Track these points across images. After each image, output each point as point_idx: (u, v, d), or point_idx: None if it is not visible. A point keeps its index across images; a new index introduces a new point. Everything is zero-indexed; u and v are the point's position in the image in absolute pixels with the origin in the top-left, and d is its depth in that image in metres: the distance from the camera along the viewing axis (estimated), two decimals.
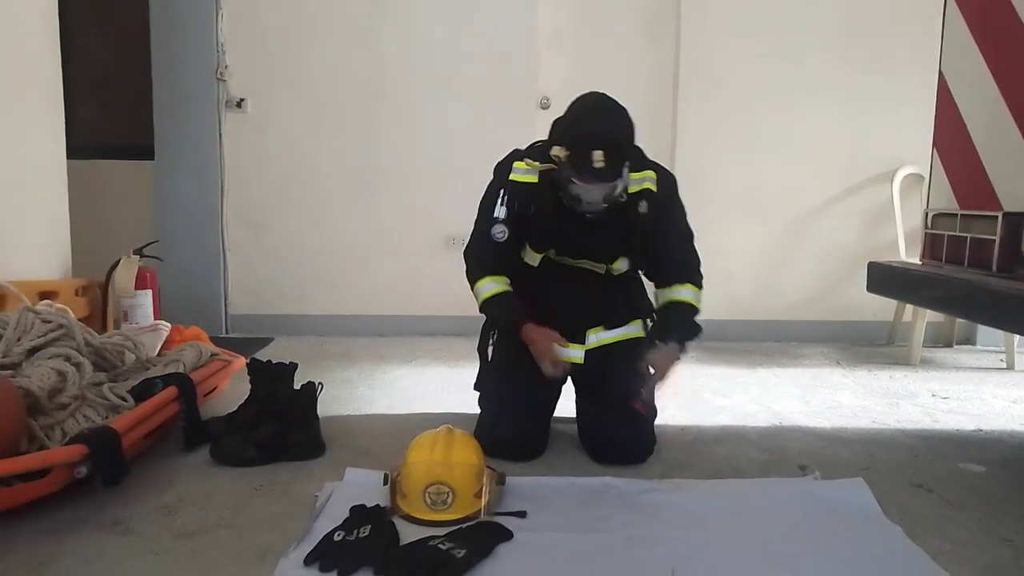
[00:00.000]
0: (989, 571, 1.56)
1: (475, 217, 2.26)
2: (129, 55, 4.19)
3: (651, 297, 2.37)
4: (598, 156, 1.93)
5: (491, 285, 2.20)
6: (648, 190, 2.16)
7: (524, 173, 2.16)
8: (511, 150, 2.26)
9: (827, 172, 4.04)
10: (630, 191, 2.14)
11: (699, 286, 2.23)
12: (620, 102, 2.08)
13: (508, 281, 2.21)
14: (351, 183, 4.07)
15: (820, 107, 3.98)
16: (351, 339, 3.93)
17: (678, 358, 2.11)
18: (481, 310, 2.25)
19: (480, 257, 2.23)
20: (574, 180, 2.01)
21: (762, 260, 4.11)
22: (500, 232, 2.15)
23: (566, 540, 1.64)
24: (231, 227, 4.06)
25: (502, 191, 2.17)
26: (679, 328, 2.16)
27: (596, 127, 2.01)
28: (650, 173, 2.19)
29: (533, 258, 2.26)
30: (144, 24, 3.88)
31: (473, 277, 2.24)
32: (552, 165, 2.06)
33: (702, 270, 2.26)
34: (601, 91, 2.12)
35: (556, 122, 2.16)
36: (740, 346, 3.90)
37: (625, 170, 2.06)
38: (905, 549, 1.63)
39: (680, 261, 2.24)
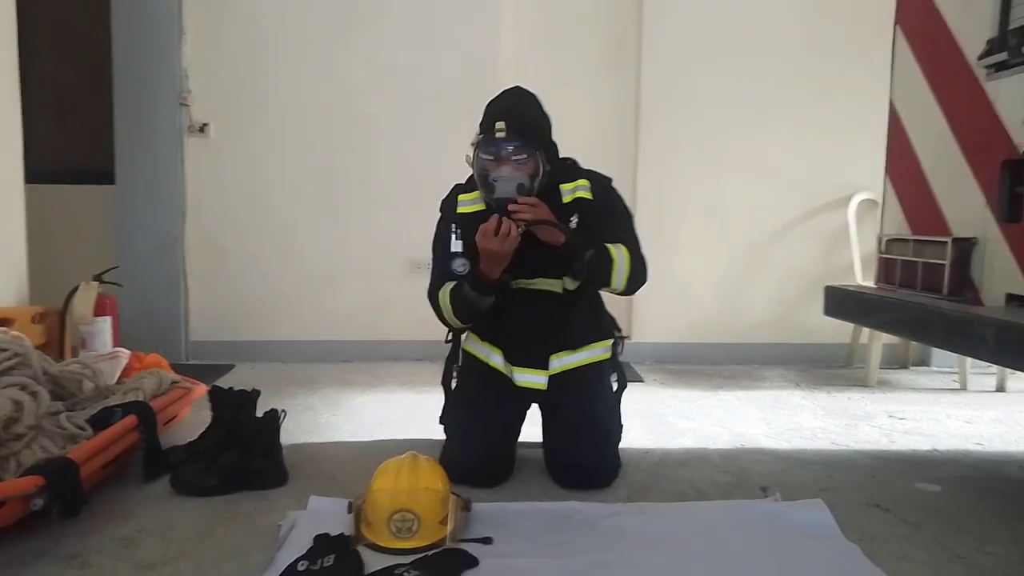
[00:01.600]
0: None
1: (432, 258, 2.27)
2: (90, 79, 4.15)
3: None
4: (500, 126, 2.04)
5: (448, 285, 2.18)
6: (582, 199, 2.19)
7: (470, 204, 2.22)
8: (452, 185, 2.31)
9: (786, 196, 4.13)
10: (564, 201, 2.17)
11: (632, 256, 2.15)
12: (533, 95, 2.21)
13: None
14: (315, 208, 4.07)
15: (779, 132, 4.07)
16: (315, 365, 3.90)
17: (557, 230, 2.06)
18: (454, 311, 2.19)
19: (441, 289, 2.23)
20: (482, 155, 2.10)
21: (723, 283, 4.17)
22: (461, 265, 2.14)
23: (532, 565, 1.64)
24: (192, 252, 4.02)
25: (454, 225, 2.18)
26: (579, 240, 2.09)
27: (500, 104, 2.16)
28: (583, 182, 2.22)
29: None
30: (105, 48, 3.86)
31: (436, 296, 2.23)
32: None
33: (643, 263, 2.21)
34: (518, 85, 2.24)
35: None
36: (702, 368, 3.94)
37: (537, 156, 2.09)
38: (863, 568, 1.66)
39: (611, 239, 2.17)
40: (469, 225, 2.13)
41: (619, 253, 2.14)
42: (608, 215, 2.23)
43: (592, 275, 2.13)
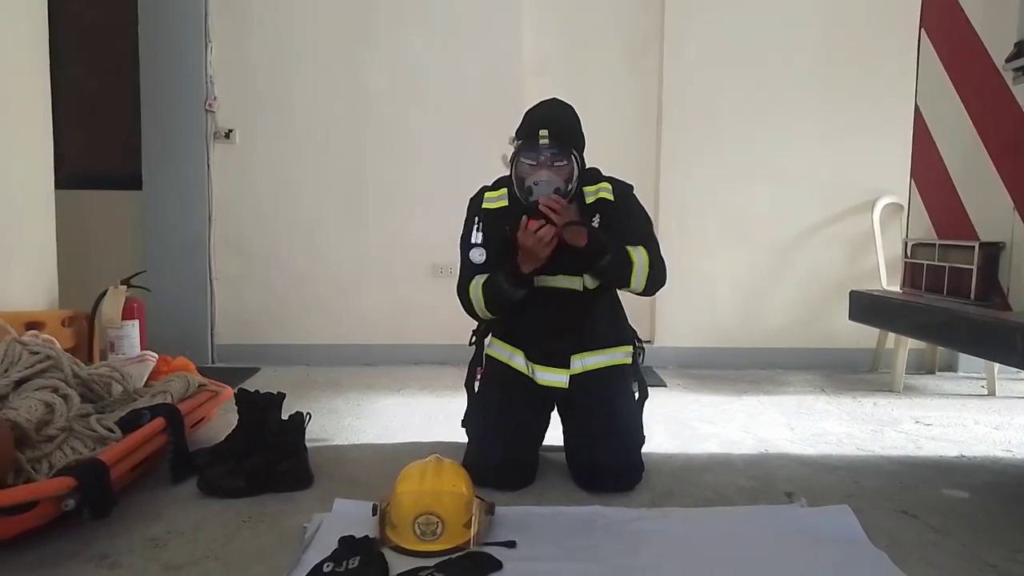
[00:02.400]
0: None
1: (460, 255, 2.31)
2: (117, 86, 4.21)
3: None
4: (543, 133, 2.12)
5: (479, 278, 2.23)
6: (604, 200, 2.25)
7: (495, 200, 2.29)
8: (480, 187, 2.37)
9: (810, 200, 4.10)
10: (587, 201, 2.24)
11: (651, 258, 2.20)
12: (568, 103, 2.28)
13: None
14: (338, 212, 4.10)
15: (802, 136, 4.05)
16: (339, 368, 3.93)
17: (581, 229, 2.10)
18: (485, 302, 2.22)
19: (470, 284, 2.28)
20: (523, 160, 2.17)
21: (746, 287, 4.15)
22: (479, 255, 2.23)
23: (555, 570, 1.64)
24: (218, 257, 4.07)
25: (476, 218, 2.27)
26: (603, 240, 2.13)
27: (542, 113, 2.23)
28: (605, 184, 2.29)
29: None
30: (133, 55, 3.92)
31: (464, 294, 2.27)
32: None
33: (663, 265, 2.25)
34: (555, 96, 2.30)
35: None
36: (726, 374, 3.92)
37: (574, 161, 2.17)
38: (891, 575, 1.65)
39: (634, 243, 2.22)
40: (491, 219, 2.24)
41: (639, 255, 2.19)
42: (628, 217, 2.29)
43: (613, 275, 2.19)
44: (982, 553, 1.78)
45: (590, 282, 2.24)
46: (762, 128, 4.04)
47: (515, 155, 2.21)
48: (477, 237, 2.25)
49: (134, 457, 2.00)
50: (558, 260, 2.16)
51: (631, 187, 2.35)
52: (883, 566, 1.69)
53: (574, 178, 2.18)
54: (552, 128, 2.13)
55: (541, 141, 2.12)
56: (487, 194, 2.33)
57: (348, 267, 4.11)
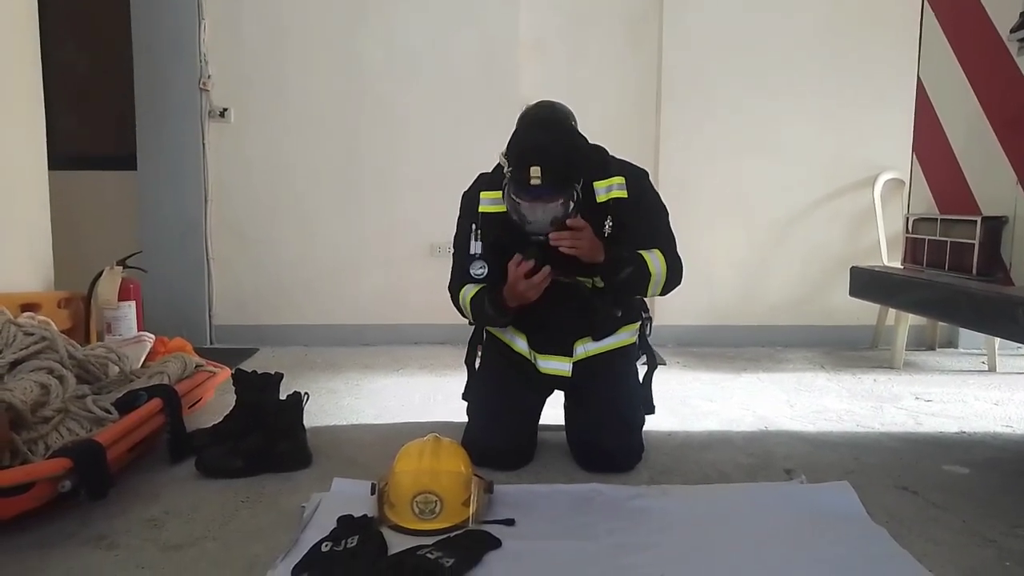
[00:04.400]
0: (973, 572, 1.57)
1: (452, 252, 2.25)
2: (111, 65, 4.17)
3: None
4: (535, 172, 1.89)
5: (470, 288, 2.17)
6: (617, 199, 2.11)
7: (492, 203, 2.13)
8: (477, 175, 2.24)
9: (810, 176, 4.07)
10: (598, 199, 2.10)
11: (667, 261, 2.13)
12: (566, 109, 2.10)
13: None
14: (335, 192, 4.07)
15: (803, 111, 4.01)
16: (337, 349, 3.92)
17: (598, 249, 2.03)
18: (473, 317, 2.22)
19: (463, 286, 2.21)
20: (513, 196, 1.98)
21: (746, 264, 4.13)
22: (480, 268, 2.11)
23: (554, 547, 1.64)
24: (215, 237, 4.04)
25: (474, 226, 2.13)
26: (620, 254, 2.08)
27: (532, 142, 1.97)
28: (618, 179, 2.13)
29: None
30: (126, 34, 3.87)
31: (458, 294, 2.22)
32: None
33: (680, 265, 2.20)
34: (551, 100, 2.13)
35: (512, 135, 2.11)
36: (725, 351, 3.91)
37: (573, 190, 1.99)
38: (891, 551, 1.64)
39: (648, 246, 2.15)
40: (489, 225, 2.11)
41: (656, 265, 2.10)
42: (645, 214, 2.16)
43: (630, 288, 2.14)
44: (982, 529, 1.78)
45: (599, 281, 2.19)
46: (762, 104, 4.00)
47: (506, 185, 2.00)
48: (476, 248, 2.11)
49: (131, 438, 1.99)
50: (565, 266, 2.07)
51: (646, 173, 2.21)
52: (883, 542, 1.68)
53: (571, 205, 1.99)
54: (544, 163, 1.89)
55: (533, 181, 1.89)
56: (484, 194, 2.16)
57: (345, 247, 4.09)
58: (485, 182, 2.19)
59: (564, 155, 1.96)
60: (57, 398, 1.97)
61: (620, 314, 2.22)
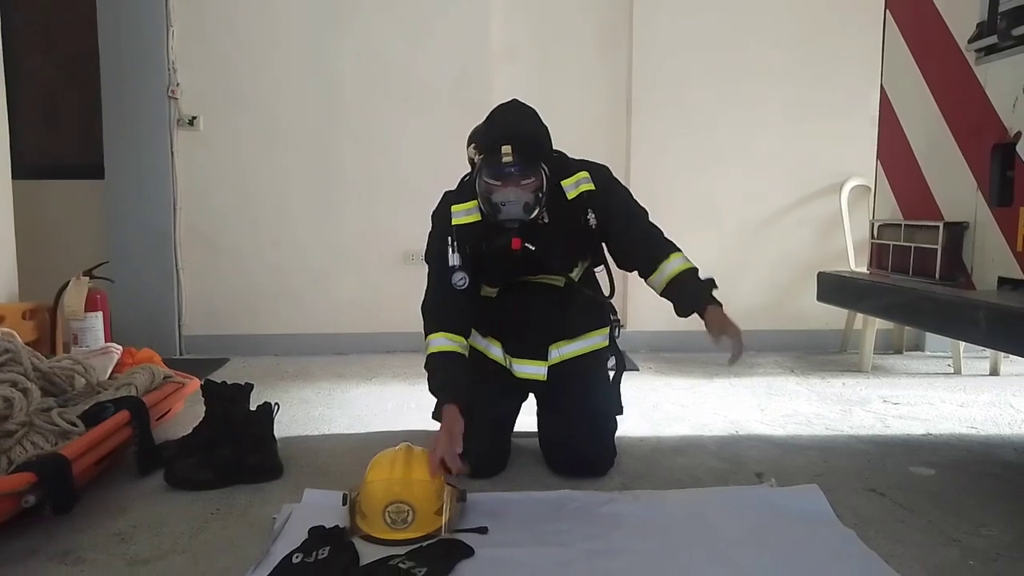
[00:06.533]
0: (939, 571, 1.60)
1: (428, 269, 2.22)
2: (77, 73, 4.11)
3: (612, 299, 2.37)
4: (506, 150, 1.96)
5: (442, 341, 2.08)
6: (588, 192, 2.15)
7: (465, 215, 2.14)
8: (443, 194, 2.24)
9: (779, 183, 4.12)
10: (569, 196, 2.13)
11: (677, 248, 2.20)
12: (529, 106, 2.13)
13: (464, 342, 2.11)
14: (307, 200, 4.05)
15: (771, 118, 4.06)
16: (309, 358, 3.89)
17: (722, 311, 2.09)
18: (425, 361, 2.11)
19: (437, 312, 2.14)
20: (487, 180, 2.02)
21: (717, 270, 4.05)
22: (461, 279, 2.08)
23: (527, 554, 1.64)
24: (184, 246, 4.00)
25: (450, 238, 2.12)
26: (700, 291, 2.12)
27: (501, 123, 2.07)
28: (583, 174, 2.17)
29: (490, 291, 2.26)
30: (92, 41, 3.82)
31: (428, 331, 2.14)
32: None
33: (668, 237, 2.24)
34: (515, 99, 2.16)
35: (473, 131, 2.17)
36: (697, 356, 3.93)
37: (542, 173, 2.04)
38: (859, 553, 1.67)
39: (646, 240, 2.20)
40: (465, 236, 2.11)
41: (679, 260, 2.17)
42: (617, 200, 2.20)
43: (709, 288, 2.18)
44: (947, 529, 1.81)
45: (575, 275, 2.23)
46: (731, 112, 4.05)
47: (478, 170, 2.06)
48: (455, 259, 2.08)
49: (98, 451, 1.96)
50: (543, 263, 2.13)
51: (607, 168, 2.26)
52: (852, 544, 1.71)
53: (541, 192, 2.05)
54: (515, 143, 1.97)
55: (504, 159, 1.96)
56: (454, 207, 2.16)
57: (317, 255, 4.06)
58: (453, 197, 2.20)
59: (531, 133, 2.05)
60: (21, 411, 1.93)
61: (587, 305, 2.26)
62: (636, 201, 2.27)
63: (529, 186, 2.02)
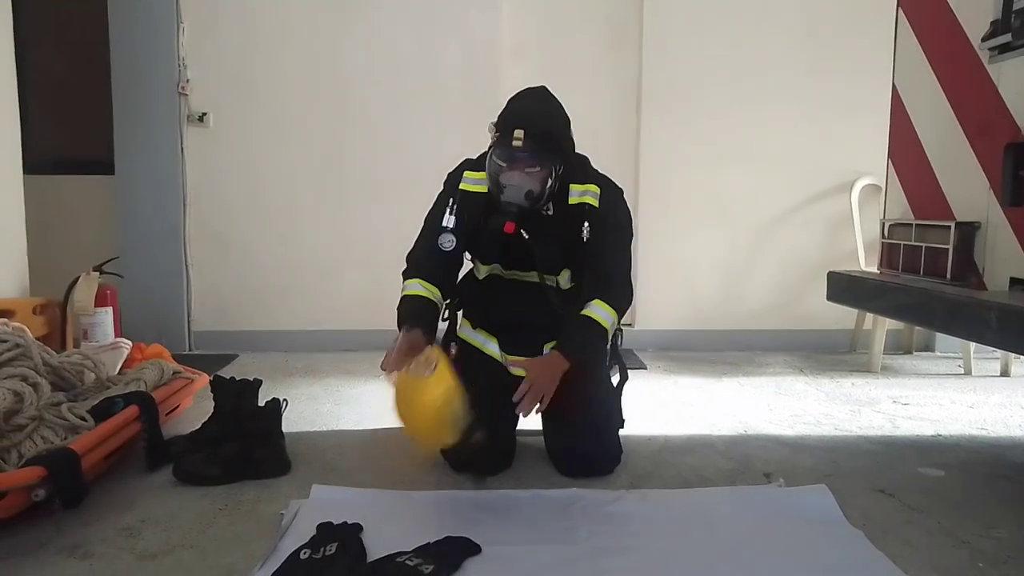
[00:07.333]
0: (948, 573, 1.59)
1: (422, 224, 2.25)
2: (88, 69, 4.13)
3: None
4: (518, 135, 1.99)
5: (417, 287, 2.15)
6: (588, 205, 2.15)
7: (475, 183, 2.18)
8: (463, 159, 2.27)
9: (789, 182, 4.11)
10: (570, 202, 2.14)
11: (613, 305, 2.13)
12: (557, 98, 2.15)
13: (438, 294, 2.17)
14: (316, 196, 4.05)
15: (782, 117, 4.04)
16: (317, 354, 3.90)
17: (559, 371, 2.03)
18: (398, 305, 2.18)
19: (419, 263, 2.20)
20: (496, 159, 2.06)
21: (726, 269, 4.16)
22: (448, 242, 2.12)
23: (534, 552, 1.64)
24: (194, 242, 4.01)
25: (451, 200, 2.16)
26: (571, 337, 2.10)
27: (520, 108, 2.09)
28: (593, 187, 2.18)
29: (480, 271, 2.27)
30: (103, 37, 3.83)
31: (406, 276, 2.20)
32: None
33: (629, 291, 2.21)
34: (544, 86, 2.18)
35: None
36: (705, 355, 3.93)
37: (551, 166, 2.05)
38: (867, 554, 1.66)
39: (601, 275, 2.17)
40: (466, 203, 2.14)
41: (605, 317, 2.09)
42: (610, 230, 2.18)
43: (599, 352, 2.20)
44: (957, 530, 1.80)
45: (565, 282, 2.23)
46: (741, 110, 4.03)
47: (491, 148, 2.10)
48: (449, 221, 2.13)
49: (107, 446, 1.97)
50: (532, 256, 2.15)
51: (621, 192, 2.25)
52: (860, 545, 1.70)
53: (548, 183, 2.07)
54: (528, 128, 2.00)
55: (515, 142, 1.99)
56: (467, 173, 2.21)
57: (326, 251, 4.07)
58: (470, 164, 2.24)
59: (547, 124, 2.07)
60: (31, 406, 1.94)
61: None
62: (627, 234, 2.27)
63: (535, 175, 2.05)
